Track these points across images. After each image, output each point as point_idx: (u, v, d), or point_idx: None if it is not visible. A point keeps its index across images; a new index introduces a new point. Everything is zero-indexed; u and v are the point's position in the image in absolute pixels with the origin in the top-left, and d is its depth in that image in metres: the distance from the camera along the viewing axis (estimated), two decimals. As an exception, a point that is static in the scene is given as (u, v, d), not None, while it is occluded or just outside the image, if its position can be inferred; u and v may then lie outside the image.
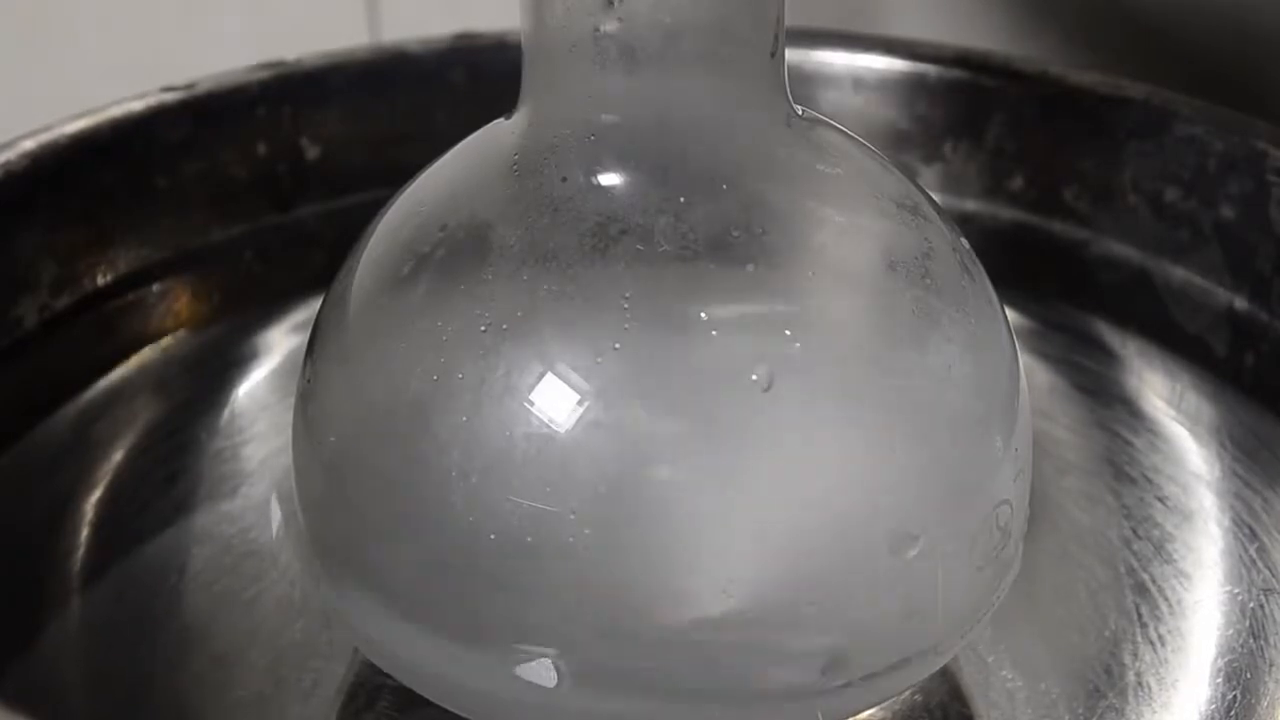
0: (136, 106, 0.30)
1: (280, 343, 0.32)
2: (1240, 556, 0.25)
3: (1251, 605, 0.24)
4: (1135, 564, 0.25)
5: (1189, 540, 0.26)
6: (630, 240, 0.18)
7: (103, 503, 0.27)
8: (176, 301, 0.31)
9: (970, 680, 0.23)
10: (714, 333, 0.18)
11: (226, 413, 0.30)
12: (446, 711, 0.20)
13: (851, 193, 0.20)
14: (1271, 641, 0.23)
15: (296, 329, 0.32)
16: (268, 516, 0.27)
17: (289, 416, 0.21)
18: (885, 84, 0.34)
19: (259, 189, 0.33)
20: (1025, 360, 0.22)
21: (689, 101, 0.19)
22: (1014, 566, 0.21)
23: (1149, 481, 0.28)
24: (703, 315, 0.18)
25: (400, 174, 0.22)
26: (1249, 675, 0.23)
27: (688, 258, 0.18)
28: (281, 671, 0.23)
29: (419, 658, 0.20)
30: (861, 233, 0.20)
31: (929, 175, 0.34)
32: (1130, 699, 0.22)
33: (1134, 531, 0.26)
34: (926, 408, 0.19)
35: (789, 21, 0.20)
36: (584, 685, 0.18)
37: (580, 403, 0.18)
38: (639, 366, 0.18)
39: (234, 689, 0.23)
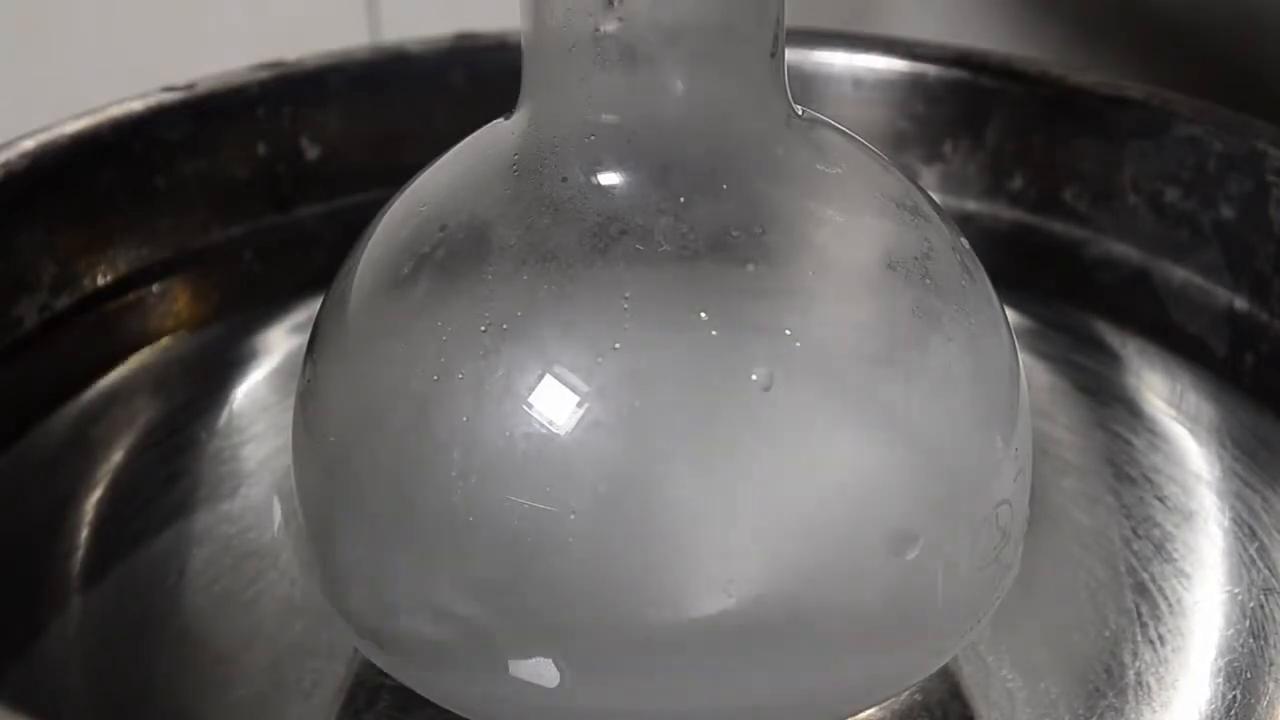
0: (136, 106, 0.30)
1: (280, 343, 0.32)
2: (1240, 556, 0.25)
3: (1251, 605, 0.24)
4: (1135, 564, 0.25)
5: (1189, 540, 0.26)
6: (630, 240, 0.18)
7: (103, 503, 0.27)
8: (176, 301, 0.31)
9: (970, 680, 0.23)
10: (714, 333, 0.18)
11: (226, 413, 0.30)
12: (446, 711, 0.20)
13: (851, 193, 0.20)
14: (1271, 641, 0.23)
15: (296, 329, 0.32)
16: (268, 516, 0.27)
17: (289, 416, 0.21)
18: (885, 84, 0.34)
19: (259, 189, 0.33)
20: (1025, 360, 0.22)
21: (689, 101, 0.19)
22: (1014, 566, 0.21)
23: (1149, 481, 0.28)
24: (703, 315, 0.18)
25: (400, 174, 0.22)
26: (1249, 675, 0.23)
27: (688, 257, 0.18)
28: (281, 671, 0.23)
29: (418, 658, 0.20)
30: (861, 233, 0.20)
31: (929, 175, 0.34)
32: (1130, 699, 0.22)
33: (1134, 531, 0.26)
34: (926, 408, 0.19)
35: (789, 21, 0.20)
36: (584, 685, 0.18)
37: (580, 403, 0.18)
38: (639, 366, 0.18)
39: (234, 689, 0.23)
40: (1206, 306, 0.30)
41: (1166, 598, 0.25)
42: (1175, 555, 0.26)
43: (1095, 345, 0.31)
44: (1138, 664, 0.23)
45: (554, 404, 0.18)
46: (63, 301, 0.29)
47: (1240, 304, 0.29)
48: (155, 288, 0.31)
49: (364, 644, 0.21)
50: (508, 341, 0.18)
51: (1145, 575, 0.25)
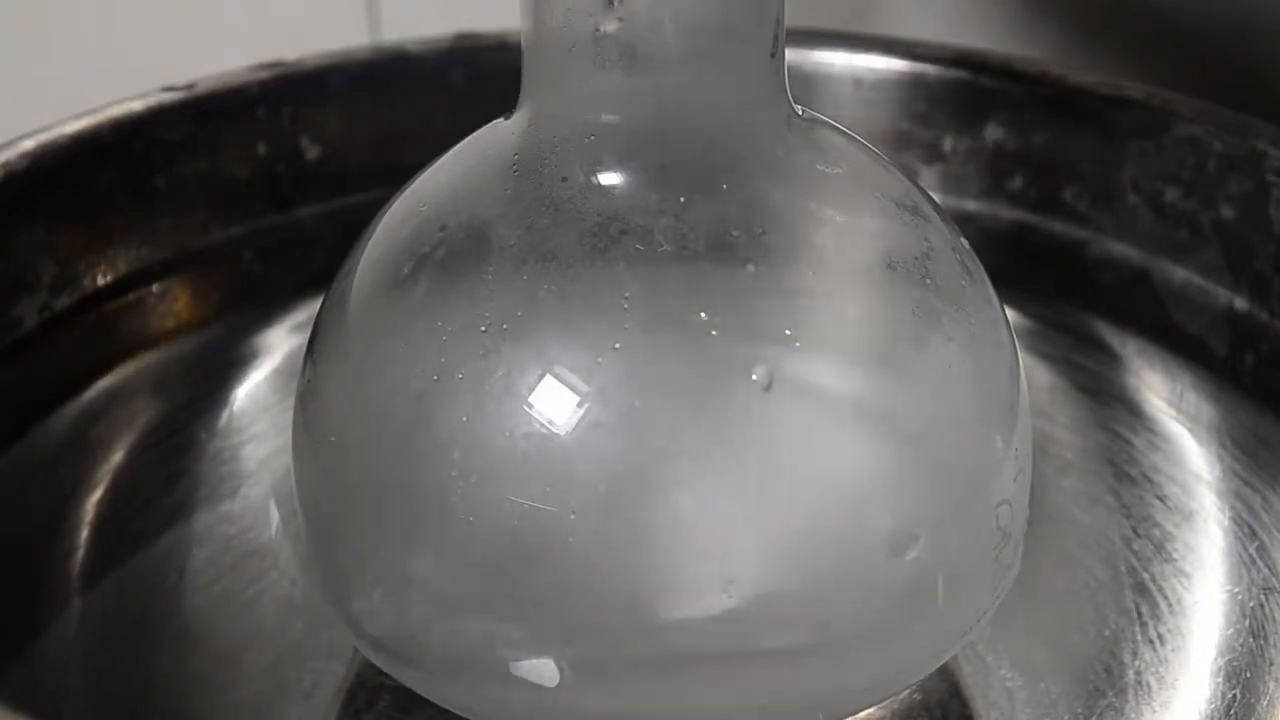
0: (136, 106, 0.30)
1: (280, 343, 0.32)
2: (1240, 556, 0.25)
3: (1251, 605, 0.24)
4: (1135, 564, 0.25)
5: (1189, 540, 0.26)
6: (630, 240, 0.18)
7: (103, 503, 0.27)
8: (176, 301, 0.31)
9: (970, 680, 0.23)
10: (714, 332, 0.18)
11: (226, 413, 0.30)
12: (446, 711, 0.20)
13: (851, 193, 0.20)
14: (1271, 641, 0.23)
15: (296, 329, 0.32)
16: (267, 517, 0.27)
17: (289, 416, 0.21)
18: (885, 84, 0.34)
19: (259, 189, 0.33)
20: (1025, 360, 0.22)
21: (689, 101, 0.19)
22: (1014, 566, 0.21)
23: (1149, 481, 0.28)
24: (703, 315, 0.18)
25: (400, 174, 0.22)
26: (1249, 674, 0.23)
27: (688, 258, 0.18)
28: (281, 671, 0.23)
29: (418, 657, 0.20)
30: (861, 233, 0.20)
31: (929, 175, 0.34)
32: (1130, 698, 0.22)
33: (1134, 531, 0.26)
34: (926, 408, 0.19)
35: (789, 21, 0.20)
36: (584, 685, 0.18)
37: (580, 403, 0.18)
38: (639, 366, 0.18)
39: (234, 689, 0.23)
40: (1206, 306, 0.30)
41: (1166, 597, 0.25)
42: (1175, 555, 0.26)
43: (1095, 345, 0.31)
44: (1138, 664, 0.23)
45: (554, 404, 0.18)
46: (63, 301, 0.29)
47: (1240, 304, 0.29)
48: (155, 288, 0.31)
49: (364, 644, 0.21)
50: (508, 341, 0.18)
51: (1145, 575, 0.25)
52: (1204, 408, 0.29)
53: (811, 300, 0.19)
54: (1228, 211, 0.29)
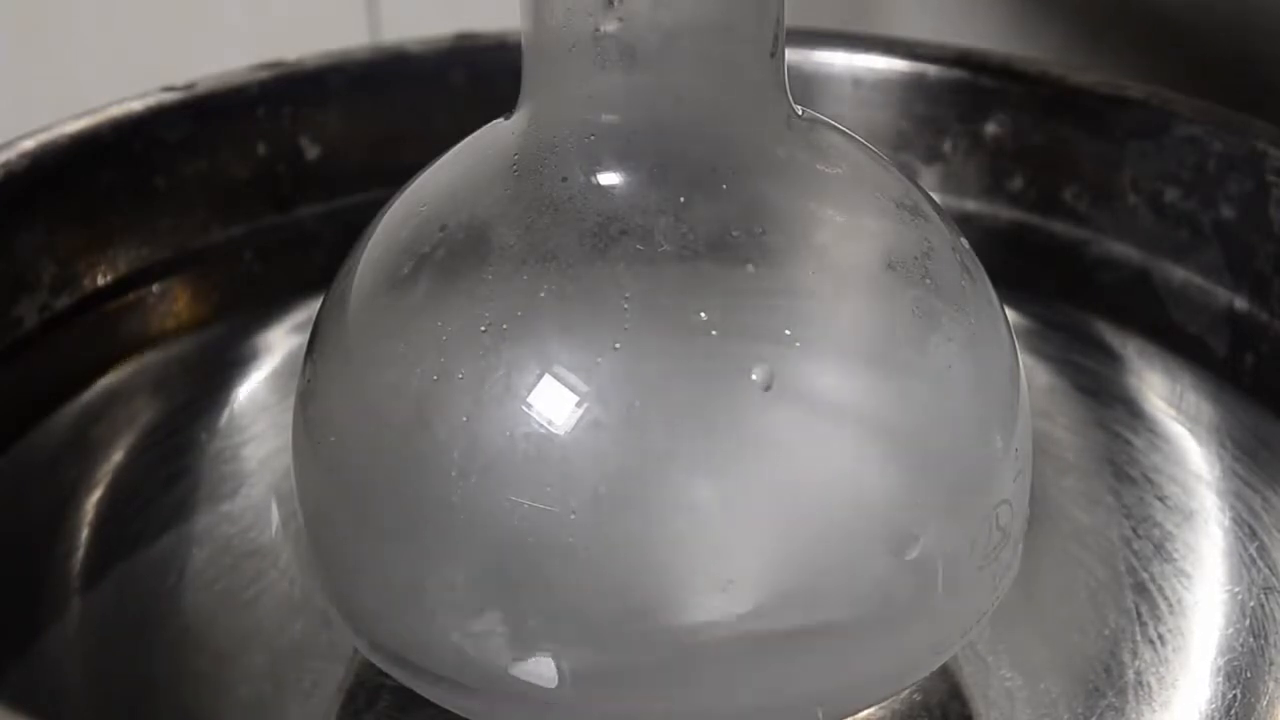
0: (136, 106, 0.31)
1: (280, 343, 0.32)
2: (1240, 556, 0.25)
3: (1251, 605, 0.24)
4: (1135, 564, 0.25)
5: (1189, 540, 0.26)
6: (630, 240, 0.18)
7: (103, 503, 0.27)
8: (176, 301, 0.31)
9: (970, 680, 0.23)
10: (714, 332, 0.18)
11: (226, 413, 0.30)
12: (446, 711, 0.20)
13: (851, 193, 0.20)
14: (1271, 641, 0.23)
15: (296, 329, 0.32)
16: (267, 517, 0.27)
17: (289, 416, 0.21)
18: (885, 84, 0.34)
19: (259, 189, 0.33)
20: (1025, 360, 0.22)
21: (689, 101, 0.19)
22: (1014, 566, 0.21)
23: (1149, 481, 0.28)
24: (703, 315, 0.18)
25: (400, 174, 0.22)
26: (1249, 674, 0.23)
27: (688, 258, 0.18)
28: (281, 671, 0.23)
29: (418, 657, 0.20)
30: (861, 233, 0.20)
31: (929, 175, 0.34)
32: (1130, 698, 0.22)
33: (1134, 531, 0.26)
34: (926, 407, 0.19)
35: (789, 21, 0.20)
36: (584, 685, 0.18)
37: (580, 403, 0.18)
38: (639, 366, 0.18)
39: (234, 689, 0.23)
40: (1206, 306, 0.30)
41: (1166, 598, 0.25)
42: (1175, 555, 0.26)
43: (1095, 345, 0.31)
44: (1138, 664, 0.23)
45: (554, 404, 0.18)
46: (63, 301, 0.29)
47: (1240, 304, 0.29)
48: (155, 288, 0.31)
49: (364, 644, 0.21)
50: (508, 341, 0.18)
51: (1145, 575, 0.25)
52: (1204, 408, 0.29)
53: (811, 300, 0.19)
54: (1228, 211, 0.29)
